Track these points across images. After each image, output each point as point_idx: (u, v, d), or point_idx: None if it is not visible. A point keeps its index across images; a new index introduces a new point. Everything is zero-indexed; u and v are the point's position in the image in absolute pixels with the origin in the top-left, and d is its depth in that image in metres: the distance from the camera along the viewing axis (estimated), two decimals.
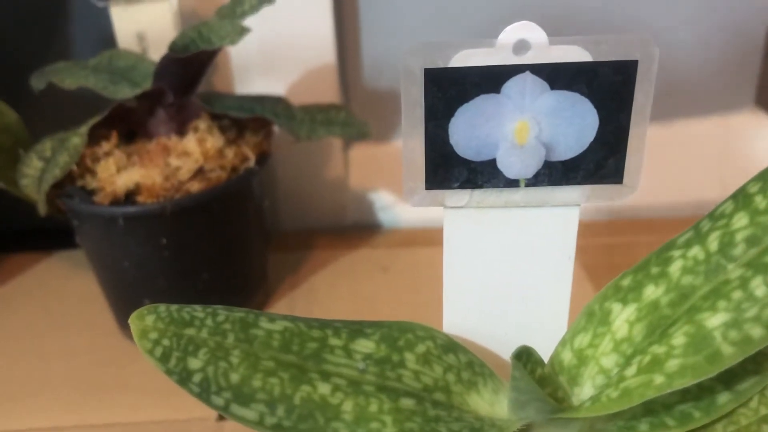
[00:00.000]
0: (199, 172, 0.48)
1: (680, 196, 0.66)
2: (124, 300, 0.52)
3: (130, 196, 0.47)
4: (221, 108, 0.52)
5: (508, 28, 0.25)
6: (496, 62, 0.25)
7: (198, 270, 0.50)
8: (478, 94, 0.25)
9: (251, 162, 0.50)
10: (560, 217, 0.27)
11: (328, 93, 0.62)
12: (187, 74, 0.50)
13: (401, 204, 0.67)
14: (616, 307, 0.26)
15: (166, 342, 0.24)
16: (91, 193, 0.47)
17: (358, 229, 0.67)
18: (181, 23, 0.55)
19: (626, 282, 0.26)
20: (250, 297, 0.55)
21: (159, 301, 0.50)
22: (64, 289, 0.60)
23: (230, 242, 0.51)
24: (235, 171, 0.49)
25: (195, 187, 0.47)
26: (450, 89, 0.25)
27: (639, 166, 0.26)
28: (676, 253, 0.25)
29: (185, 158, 0.48)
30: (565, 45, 0.25)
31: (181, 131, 0.50)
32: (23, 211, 0.50)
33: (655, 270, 0.25)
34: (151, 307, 0.25)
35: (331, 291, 0.58)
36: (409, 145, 0.26)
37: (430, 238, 0.64)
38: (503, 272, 0.29)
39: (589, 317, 0.26)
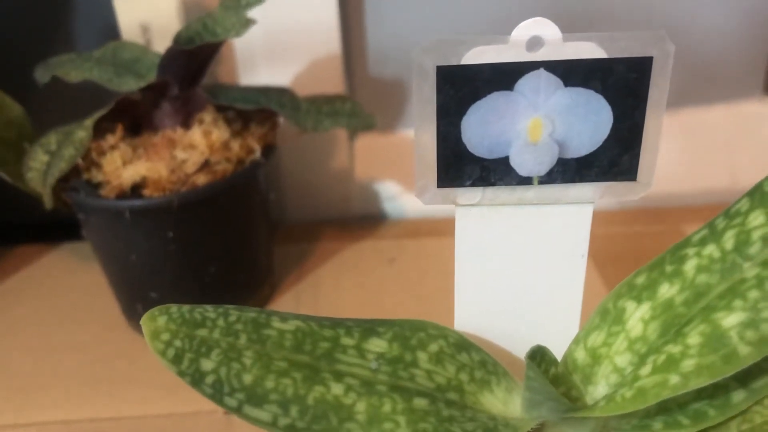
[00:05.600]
0: (205, 165, 0.48)
1: (689, 184, 0.66)
2: (131, 293, 0.52)
3: (136, 190, 0.47)
4: (226, 100, 0.51)
5: (522, 24, 0.24)
6: (509, 59, 0.24)
7: (204, 263, 0.50)
8: (491, 92, 0.25)
9: (257, 154, 0.49)
10: (573, 214, 0.27)
11: (333, 83, 0.62)
12: (192, 66, 0.49)
13: (407, 195, 0.67)
14: (630, 305, 0.25)
15: (178, 343, 0.24)
16: (97, 186, 0.47)
17: (364, 220, 0.67)
18: (185, 13, 0.55)
19: (640, 280, 0.26)
20: (257, 290, 0.54)
21: (166, 294, 0.50)
22: (71, 281, 0.60)
23: (236, 235, 0.51)
24: (241, 163, 0.49)
25: (201, 180, 0.47)
26: (463, 87, 0.25)
27: (653, 163, 0.26)
28: (691, 251, 0.25)
29: (191, 151, 0.48)
30: (580, 41, 0.24)
31: (187, 124, 0.50)
32: (29, 203, 0.50)
33: (669, 268, 0.25)
34: (162, 307, 0.25)
35: (337, 283, 0.58)
36: (421, 142, 0.26)
37: (437, 229, 0.64)
38: (515, 270, 0.28)
39: (602, 315, 0.26)
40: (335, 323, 0.26)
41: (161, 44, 0.53)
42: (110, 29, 0.55)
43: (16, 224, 0.66)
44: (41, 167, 0.47)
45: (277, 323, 0.26)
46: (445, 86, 0.25)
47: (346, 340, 0.26)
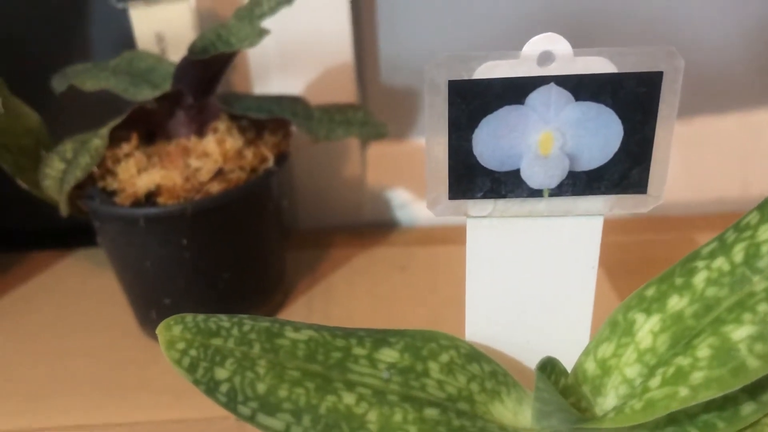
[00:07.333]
0: (218, 173, 0.48)
1: (701, 193, 0.66)
2: (145, 299, 0.52)
3: (150, 197, 0.47)
4: (240, 109, 0.52)
5: (533, 39, 0.25)
6: (520, 74, 0.25)
7: (218, 270, 0.50)
8: (502, 106, 0.25)
9: (270, 162, 0.50)
10: (584, 226, 0.27)
11: (345, 91, 0.62)
12: (206, 76, 0.50)
13: (419, 202, 0.67)
14: (640, 317, 0.26)
15: (193, 352, 0.25)
16: (112, 194, 0.48)
17: (376, 227, 0.67)
18: (200, 23, 0.55)
19: (650, 292, 0.26)
20: (269, 296, 0.55)
21: (179, 300, 0.51)
22: (85, 287, 0.60)
23: (250, 242, 0.51)
24: (254, 171, 0.50)
25: (215, 188, 0.48)
26: (474, 101, 0.25)
27: (663, 176, 0.26)
28: (701, 263, 0.25)
29: (205, 159, 0.48)
30: (590, 56, 0.25)
31: (201, 132, 0.51)
32: (44, 209, 0.51)
33: (679, 281, 0.25)
34: (177, 317, 0.25)
35: (348, 290, 0.58)
36: (432, 155, 0.26)
37: (448, 237, 0.64)
38: (526, 281, 0.29)
39: (612, 327, 0.26)
40: (347, 333, 0.27)
41: (176, 53, 0.53)
42: (126, 39, 0.55)
43: (32, 230, 0.67)
44: (57, 175, 0.48)
45: (290, 333, 0.26)
46: (457, 100, 0.25)
47: (358, 350, 0.26)
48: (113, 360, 0.52)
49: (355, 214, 0.67)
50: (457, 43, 0.63)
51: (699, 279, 0.25)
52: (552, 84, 0.25)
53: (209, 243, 0.49)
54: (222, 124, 0.51)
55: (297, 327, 0.26)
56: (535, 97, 0.25)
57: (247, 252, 0.51)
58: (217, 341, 0.25)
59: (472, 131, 0.26)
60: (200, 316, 0.25)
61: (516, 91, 0.25)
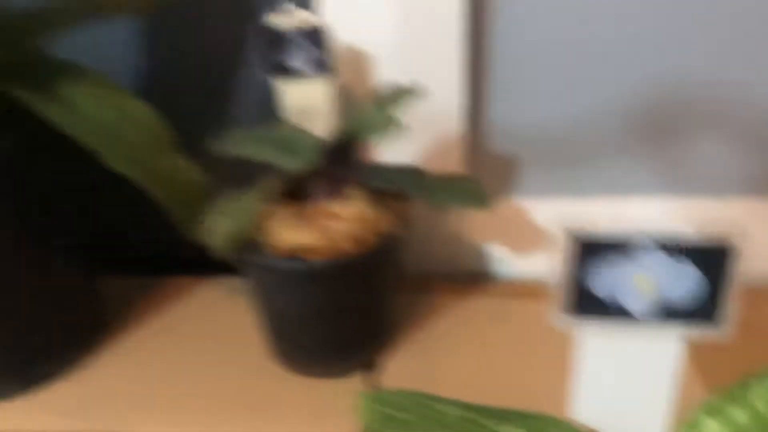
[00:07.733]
0: (352, 236, 0.57)
1: None
2: (279, 335, 0.62)
3: (293, 252, 0.57)
4: (370, 179, 0.61)
5: (634, 203, 0.34)
6: (627, 236, 0.34)
7: (345, 318, 0.60)
8: (611, 255, 0.34)
9: (395, 228, 0.59)
10: (667, 346, 0.36)
11: (454, 157, 0.71)
12: (345, 153, 0.59)
13: (516, 257, 0.75)
14: (710, 423, 0.34)
15: (380, 420, 0.34)
16: (260, 246, 0.57)
17: (475, 277, 0.75)
18: (339, 99, 0.64)
19: (716, 402, 0.34)
20: (381, 339, 0.64)
21: (308, 340, 0.61)
22: (223, 313, 0.70)
23: (374, 296, 0.61)
24: (381, 235, 0.59)
25: (348, 247, 0.57)
26: (591, 249, 0.34)
27: (732, 315, 0.35)
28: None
29: (341, 223, 0.58)
30: (677, 227, 0.33)
31: (337, 198, 0.60)
32: (183, 240, 0.60)
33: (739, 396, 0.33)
34: (374, 393, 0.35)
35: (448, 338, 0.65)
36: (558, 283, 0.35)
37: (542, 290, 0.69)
38: (623, 382, 0.38)
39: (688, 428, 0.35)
40: (498, 415, 0.35)
41: (316, 125, 0.62)
42: (272, 107, 0.64)
43: (172, 257, 0.77)
44: (218, 228, 0.57)
45: (438, 405, 0.35)
46: (578, 248, 0.34)
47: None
48: (243, 384, 0.61)
49: (455, 263, 0.75)
50: (562, 115, 0.71)
51: (756, 396, 0.33)
52: (650, 245, 0.34)
53: (339, 295, 0.58)
54: (355, 192, 0.60)
55: (445, 402, 0.36)
56: (636, 251, 0.34)
57: (370, 303, 0.61)
58: (399, 414, 0.34)
59: (588, 269, 0.35)
60: (387, 392, 0.35)
61: (624, 248, 0.34)
